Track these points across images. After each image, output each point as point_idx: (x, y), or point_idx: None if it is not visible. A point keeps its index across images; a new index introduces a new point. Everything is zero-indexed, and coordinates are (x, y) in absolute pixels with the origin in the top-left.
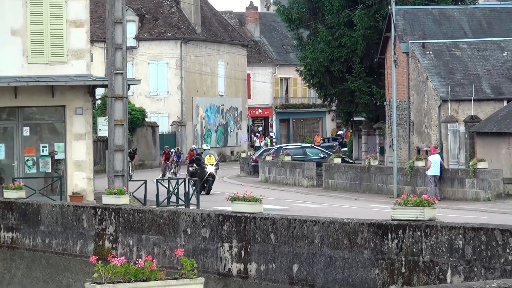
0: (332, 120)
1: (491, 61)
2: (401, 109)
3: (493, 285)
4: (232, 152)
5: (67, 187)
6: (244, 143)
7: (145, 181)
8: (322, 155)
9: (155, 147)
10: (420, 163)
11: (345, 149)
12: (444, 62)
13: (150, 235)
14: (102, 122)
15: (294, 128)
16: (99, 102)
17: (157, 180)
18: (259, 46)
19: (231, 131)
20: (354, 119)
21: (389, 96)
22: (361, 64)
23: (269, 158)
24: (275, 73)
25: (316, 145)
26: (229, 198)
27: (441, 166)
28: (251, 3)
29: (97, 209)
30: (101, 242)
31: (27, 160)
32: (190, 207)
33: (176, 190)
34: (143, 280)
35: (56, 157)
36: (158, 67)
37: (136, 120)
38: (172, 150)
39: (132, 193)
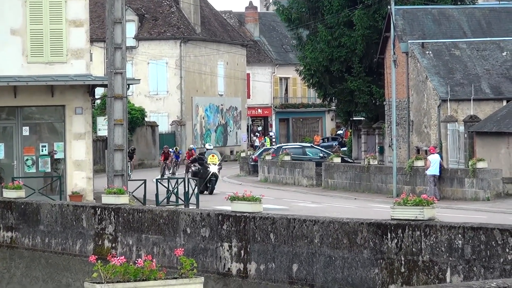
0: (332, 119)
1: (491, 61)
2: (400, 108)
3: (492, 285)
4: (231, 152)
5: (66, 187)
6: (243, 142)
7: (145, 181)
8: (321, 154)
9: (154, 146)
10: (420, 163)
11: (345, 148)
12: (444, 62)
13: (150, 235)
14: (101, 121)
15: (294, 127)
16: (98, 101)
17: (156, 179)
18: (258, 46)
19: (230, 131)
20: (354, 118)
21: (388, 96)
22: (361, 64)
23: (268, 157)
24: (274, 72)
25: (315, 145)
26: (229, 197)
27: (441, 166)
28: (250, 3)
29: (97, 209)
30: (100, 241)
31: (27, 159)
32: (190, 207)
33: (175, 190)
34: (143, 280)
35: (56, 156)
36: (158, 66)
37: (136, 120)
38: (170, 149)
39: (132, 192)
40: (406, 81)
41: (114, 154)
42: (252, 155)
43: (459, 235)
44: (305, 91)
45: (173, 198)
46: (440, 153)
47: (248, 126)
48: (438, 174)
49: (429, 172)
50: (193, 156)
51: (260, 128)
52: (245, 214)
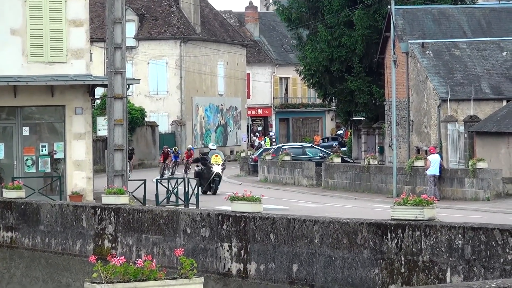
0: (332, 119)
1: (491, 61)
2: (400, 108)
3: (492, 285)
4: (231, 152)
5: (66, 187)
6: (243, 142)
7: (145, 181)
8: (321, 154)
9: (154, 146)
10: (420, 163)
11: (345, 148)
12: (444, 61)
13: (150, 235)
14: (101, 121)
15: (294, 127)
16: (98, 101)
17: (156, 179)
18: (258, 46)
19: (230, 131)
20: (354, 118)
21: (388, 95)
22: (361, 63)
23: (268, 157)
24: (274, 72)
25: (315, 145)
26: (229, 197)
27: (441, 166)
28: (250, 2)
29: (97, 209)
30: (100, 241)
31: (27, 159)
32: (190, 207)
33: (175, 190)
34: (143, 280)
35: (56, 156)
36: (158, 66)
37: (136, 120)
38: (170, 150)
39: (132, 192)
40: (406, 81)
41: (114, 154)
42: (252, 155)
43: (459, 235)
44: (305, 91)
45: (173, 198)
46: (440, 153)
47: (248, 126)
48: (438, 174)
49: (429, 172)
50: (192, 156)
51: (260, 128)
52: (245, 214)
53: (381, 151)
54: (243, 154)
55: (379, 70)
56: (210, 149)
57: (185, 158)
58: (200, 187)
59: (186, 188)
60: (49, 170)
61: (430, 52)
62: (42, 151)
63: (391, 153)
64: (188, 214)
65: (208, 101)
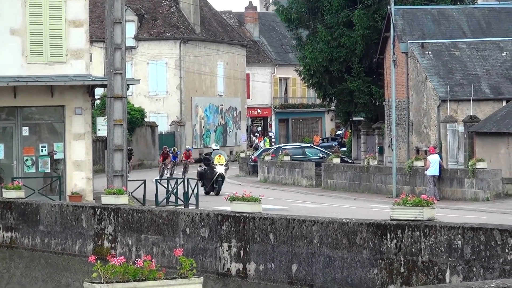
0: (331, 120)
1: (490, 61)
2: (400, 109)
3: (492, 285)
4: (231, 152)
5: (66, 187)
6: (243, 143)
7: (144, 181)
8: (321, 155)
9: (154, 147)
10: (419, 163)
11: (344, 149)
12: (443, 62)
13: (149, 235)
14: (101, 122)
15: (293, 128)
16: (98, 102)
17: (156, 180)
18: (258, 46)
19: (230, 131)
20: (353, 119)
21: (388, 96)
22: (360, 64)
23: (268, 158)
24: (274, 73)
25: (315, 145)
26: (228, 198)
27: (440, 166)
28: (250, 3)
29: (96, 209)
30: (100, 241)
31: (26, 160)
32: (189, 207)
33: (175, 190)
34: (142, 280)
35: (55, 157)
36: (157, 67)
37: (135, 120)
38: (168, 150)
39: (131, 193)
40: (406, 81)
41: (113, 155)
42: (251, 155)
43: (459, 236)
44: (304, 92)
45: (172, 198)
46: (440, 154)
47: (247, 126)
48: (438, 174)
49: (428, 172)
50: (191, 156)
51: (259, 129)
52: (244, 215)
53: (381, 151)
54: (242, 155)
55: (378, 70)
56: (213, 149)
57: (183, 159)
58: (203, 188)
59: (186, 188)
60: (48, 170)
61: (430, 52)
62: (41, 151)
63: (391, 153)
64: (187, 214)
65: (208, 102)
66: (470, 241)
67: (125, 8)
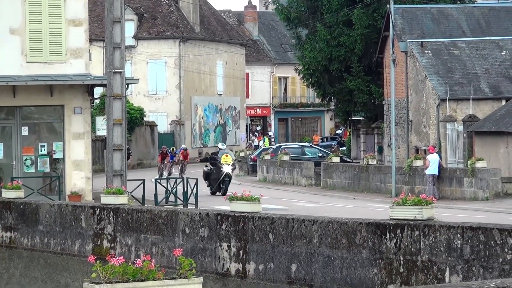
0: (331, 119)
1: (490, 60)
2: (399, 108)
3: (491, 285)
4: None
5: (65, 187)
6: (242, 142)
7: (144, 181)
8: (320, 154)
9: (153, 146)
10: (419, 163)
11: (344, 148)
12: (443, 61)
13: (149, 235)
14: (100, 121)
15: (293, 127)
16: (97, 101)
17: (155, 179)
18: (257, 45)
19: (229, 131)
20: (353, 118)
21: (387, 95)
22: (360, 63)
23: (267, 157)
24: (273, 72)
25: (314, 144)
26: (228, 197)
27: (440, 166)
28: (249, 2)
29: (96, 209)
30: (99, 241)
31: (26, 159)
32: (189, 207)
33: (174, 190)
34: (142, 280)
35: (55, 156)
36: (157, 66)
37: (135, 120)
38: (168, 149)
39: (131, 192)
40: (405, 80)
41: (113, 154)
42: (250, 154)
43: (458, 235)
44: (304, 91)
45: (172, 198)
46: (439, 153)
47: (247, 125)
48: (437, 173)
49: (428, 171)
50: (188, 156)
51: (259, 128)
52: (244, 214)
53: (380, 150)
54: (242, 154)
55: (378, 69)
56: (220, 149)
57: (181, 158)
58: (209, 188)
59: (185, 188)
60: (48, 170)
61: (429, 51)
62: (41, 151)
63: (390, 152)
64: (187, 214)
65: (207, 101)
66: (469, 241)
67: (125, 7)
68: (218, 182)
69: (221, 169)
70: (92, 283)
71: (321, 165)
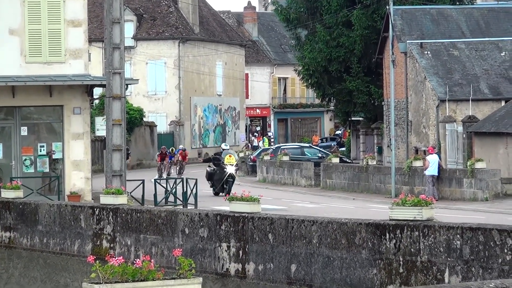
0: (330, 120)
1: (489, 61)
2: (399, 109)
3: (490, 285)
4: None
5: (65, 187)
6: (242, 142)
7: (143, 181)
8: (320, 155)
9: (153, 146)
10: (418, 163)
11: (343, 149)
12: (442, 62)
13: (148, 235)
14: (100, 121)
15: (292, 128)
16: (97, 101)
17: (155, 179)
18: (257, 46)
19: (229, 131)
20: (352, 119)
21: (387, 96)
22: (359, 64)
23: (267, 158)
24: (273, 72)
25: (314, 145)
26: (227, 198)
27: (439, 166)
28: (249, 2)
29: (95, 209)
30: (99, 242)
31: (25, 159)
32: (188, 207)
33: (174, 190)
34: (141, 280)
35: (54, 156)
36: (156, 66)
37: (134, 120)
38: (167, 150)
39: (130, 193)
40: (405, 81)
41: (112, 154)
42: (250, 155)
43: (458, 236)
44: (303, 91)
45: (171, 198)
46: (439, 154)
47: (246, 126)
48: (437, 174)
49: (427, 172)
50: (187, 157)
51: (258, 128)
52: (243, 215)
53: (380, 151)
54: (241, 154)
55: (377, 70)
56: (223, 149)
57: (179, 159)
58: (212, 188)
59: (185, 188)
60: (47, 170)
61: (429, 52)
62: (40, 151)
63: (390, 153)
64: (186, 214)
65: (207, 101)
66: (469, 241)
67: (124, 8)
68: (221, 183)
69: (225, 169)
70: (92, 283)
71: (321, 166)
